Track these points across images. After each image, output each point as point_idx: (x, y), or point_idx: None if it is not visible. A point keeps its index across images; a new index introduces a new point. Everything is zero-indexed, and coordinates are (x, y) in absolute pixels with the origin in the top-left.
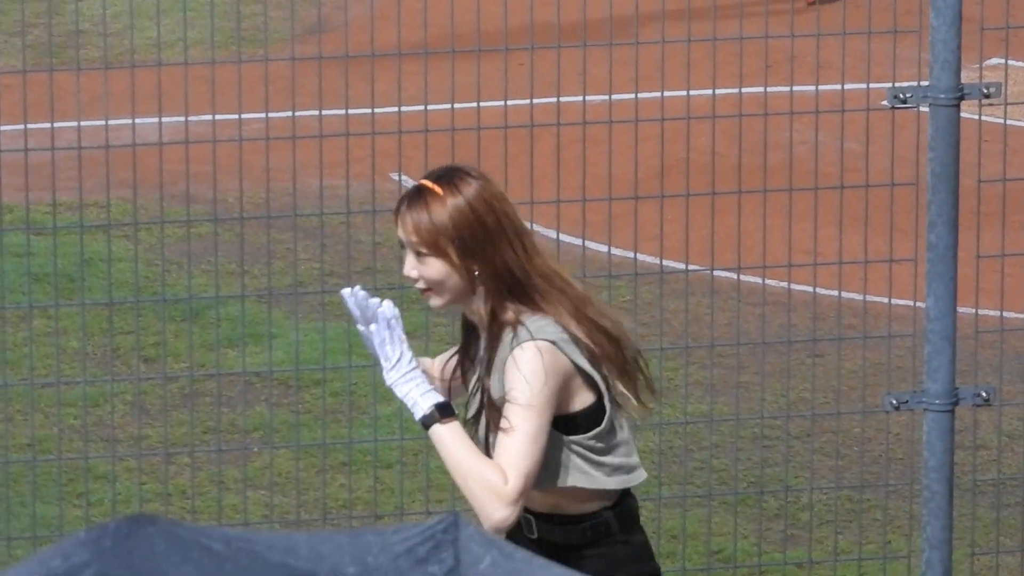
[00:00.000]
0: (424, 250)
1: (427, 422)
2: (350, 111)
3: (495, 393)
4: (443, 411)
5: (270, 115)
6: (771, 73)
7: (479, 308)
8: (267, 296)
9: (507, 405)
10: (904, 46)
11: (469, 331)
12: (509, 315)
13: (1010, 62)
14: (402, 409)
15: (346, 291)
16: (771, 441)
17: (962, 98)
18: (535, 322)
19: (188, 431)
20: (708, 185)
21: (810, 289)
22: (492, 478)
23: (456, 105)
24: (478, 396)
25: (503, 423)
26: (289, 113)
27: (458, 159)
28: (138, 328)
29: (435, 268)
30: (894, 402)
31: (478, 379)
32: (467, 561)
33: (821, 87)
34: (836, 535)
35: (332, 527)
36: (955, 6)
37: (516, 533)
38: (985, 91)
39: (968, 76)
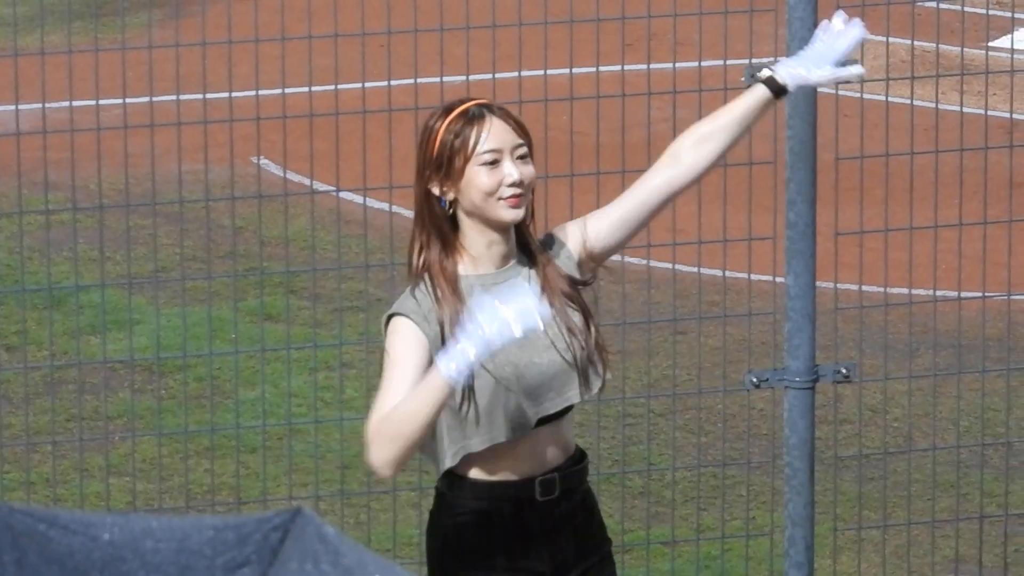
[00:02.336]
0: (527, 150)
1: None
2: (208, 95)
3: (572, 273)
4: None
5: (128, 101)
6: (629, 52)
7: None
8: (128, 283)
9: (590, 220)
10: (761, 22)
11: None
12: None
13: (867, 36)
14: (264, 393)
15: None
16: (634, 419)
17: None
18: None
19: (50, 419)
20: (567, 165)
21: (670, 266)
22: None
23: (314, 88)
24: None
25: (611, 206)
26: (147, 99)
27: (317, 142)
28: None
29: (532, 169)
30: (755, 380)
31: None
32: (283, 569)
33: (679, 65)
34: (700, 512)
35: (196, 512)
36: None
37: (513, 512)
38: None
39: None
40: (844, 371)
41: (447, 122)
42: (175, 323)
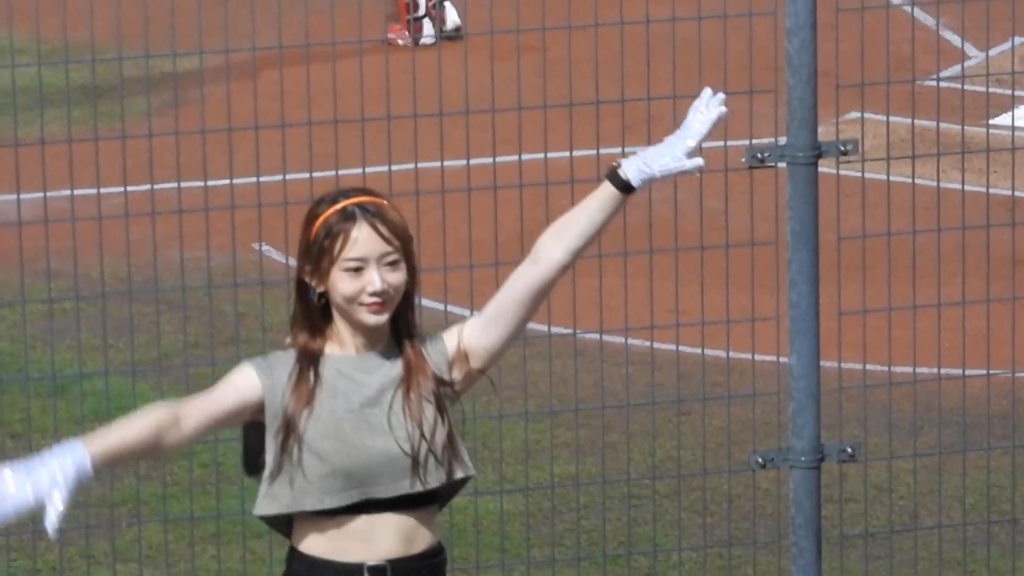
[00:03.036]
0: (398, 256)
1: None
2: (209, 183)
3: (440, 372)
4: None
5: (129, 189)
6: (629, 134)
7: (388, 328)
8: (131, 370)
9: (468, 322)
10: (761, 102)
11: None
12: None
13: (867, 115)
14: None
15: None
16: (639, 501)
17: (819, 156)
18: None
19: None
20: None
21: (673, 347)
22: None
23: (315, 174)
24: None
25: (487, 305)
26: (148, 187)
27: None
28: (3, 406)
29: (401, 275)
30: (760, 460)
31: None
32: None
33: None
34: None
35: None
36: (810, 65)
37: None
38: (842, 148)
39: (826, 131)
40: (849, 450)
41: (325, 216)
42: None
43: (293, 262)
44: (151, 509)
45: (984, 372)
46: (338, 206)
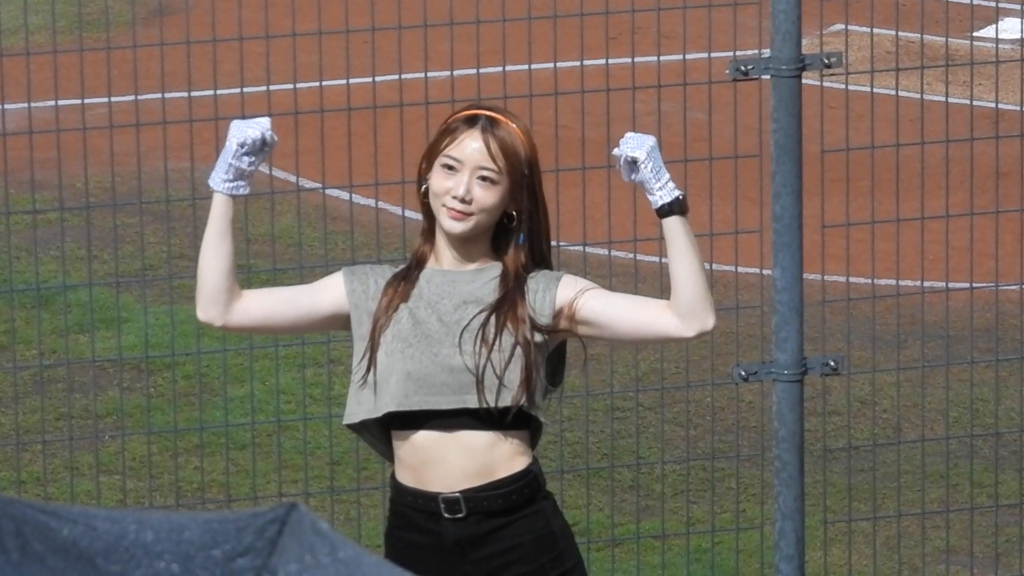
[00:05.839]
0: (496, 177)
1: (682, 207)
2: (194, 93)
3: (539, 314)
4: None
5: (113, 99)
6: (613, 45)
7: (486, 250)
8: (115, 282)
9: (591, 291)
10: (745, 15)
11: (414, 267)
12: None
13: (851, 27)
14: (253, 391)
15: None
16: (622, 413)
17: (803, 69)
18: None
19: (40, 418)
20: (552, 159)
21: (657, 260)
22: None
23: (299, 85)
24: (476, 318)
25: (613, 296)
26: (132, 97)
27: (302, 139)
28: None
29: (491, 196)
30: (743, 373)
31: (485, 310)
32: (283, 558)
33: (663, 58)
34: (690, 505)
35: (186, 510)
36: None
37: (426, 524)
38: (826, 61)
39: (810, 43)
40: (832, 363)
41: (454, 117)
42: (163, 321)
43: (277, 173)
44: (135, 421)
45: (967, 285)
46: (469, 112)
